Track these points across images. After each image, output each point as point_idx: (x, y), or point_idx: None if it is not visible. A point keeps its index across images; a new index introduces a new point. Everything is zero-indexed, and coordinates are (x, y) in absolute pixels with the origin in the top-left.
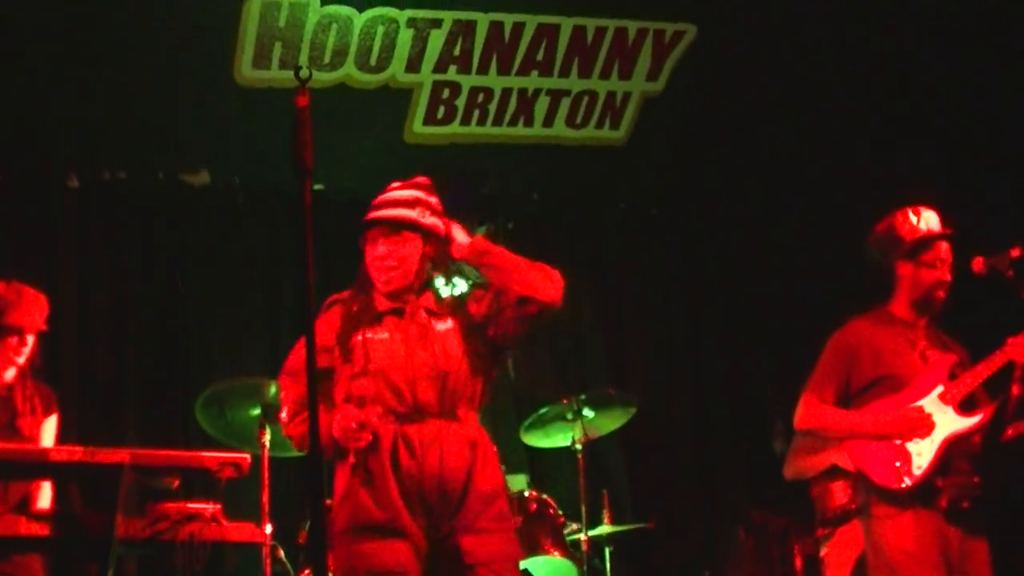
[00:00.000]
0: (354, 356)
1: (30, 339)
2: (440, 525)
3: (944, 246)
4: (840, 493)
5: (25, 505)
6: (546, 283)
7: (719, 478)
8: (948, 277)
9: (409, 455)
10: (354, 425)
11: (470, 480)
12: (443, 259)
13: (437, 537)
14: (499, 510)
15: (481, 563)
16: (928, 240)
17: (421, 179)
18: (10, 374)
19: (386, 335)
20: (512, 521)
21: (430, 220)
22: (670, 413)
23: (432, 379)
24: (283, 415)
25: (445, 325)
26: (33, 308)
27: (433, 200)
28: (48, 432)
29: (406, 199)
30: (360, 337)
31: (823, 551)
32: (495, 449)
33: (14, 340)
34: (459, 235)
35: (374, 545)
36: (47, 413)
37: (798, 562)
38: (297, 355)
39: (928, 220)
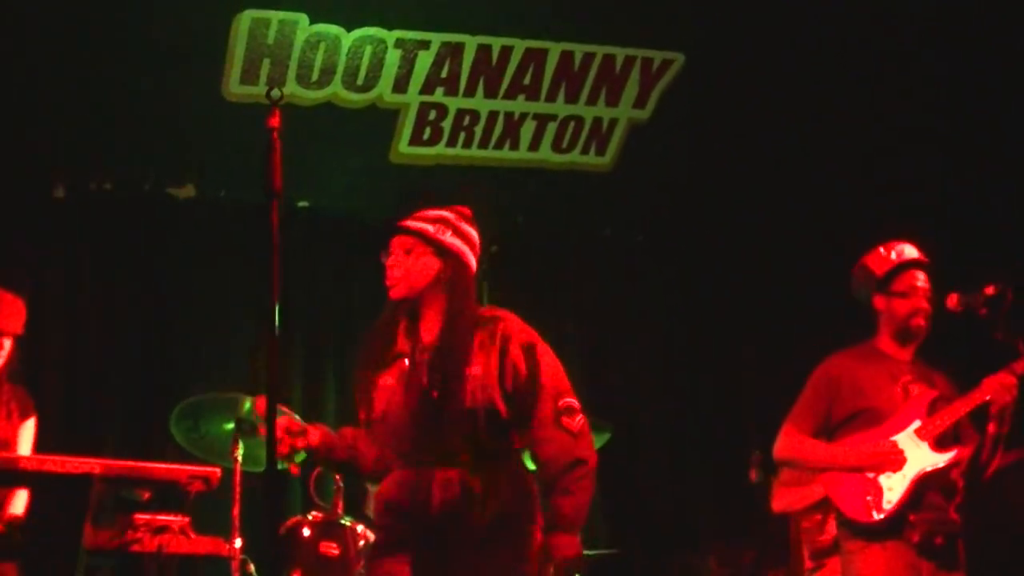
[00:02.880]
0: (363, 399)
1: (5, 343)
2: (442, 553)
3: (918, 275)
4: (832, 525)
5: None
6: None
7: (692, 507)
8: (924, 305)
9: (410, 499)
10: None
11: (466, 522)
12: (462, 284)
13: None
14: (511, 551)
15: None
16: (897, 269)
17: (463, 208)
18: None
19: (391, 380)
20: (527, 564)
21: (449, 239)
22: (646, 440)
23: (432, 424)
24: None
25: (473, 370)
26: (7, 312)
27: (464, 227)
28: (26, 436)
29: (430, 216)
30: (370, 380)
31: None
32: (530, 490)
33: None
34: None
35: (386, 567)
36: (24, 417)
37: None
38: None
39: (900, 252)
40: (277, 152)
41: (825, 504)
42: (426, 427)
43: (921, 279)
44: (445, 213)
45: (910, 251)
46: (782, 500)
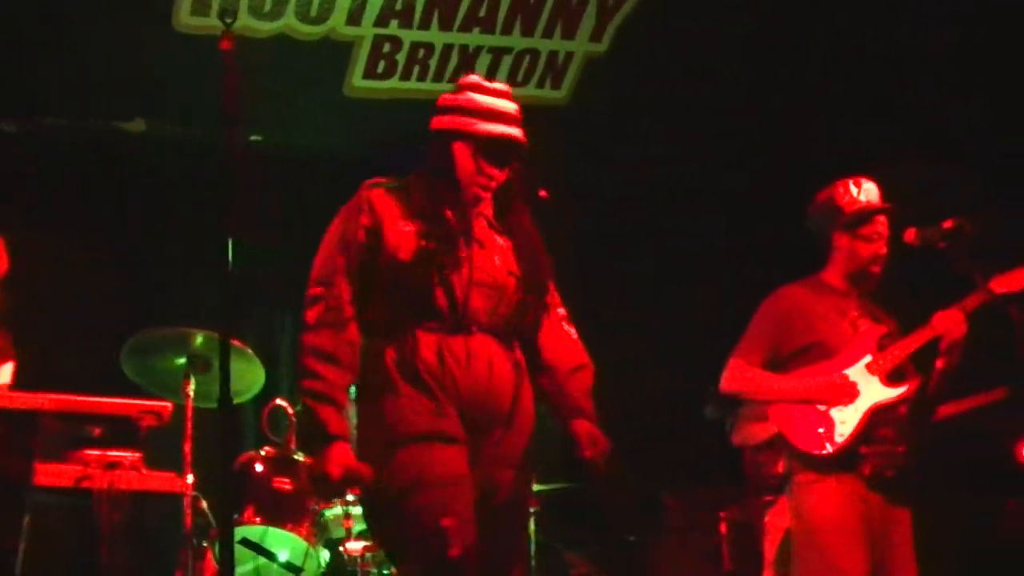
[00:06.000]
0: (403, 248)
1: None
2: (483, 446)
3: (882, 220)
4: (783, 462)
5: None
6: None
7: (649, 444)
8: (884, 251)
9: (456, 366)
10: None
11: (516, 404)
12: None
13: (478, 459)
14: (532, 447)
15: (508, 507)
16: (867, 213)
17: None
18: None
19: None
20: None
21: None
22: (603, 377)
23: (488, 289)
24: (312, 315)
25: (503, 242)
26: None
27: None
28: (3, 378)
29: (518, 116)
30: (412, 228)
31: (766, 518)
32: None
33: None
34: None
35: (432, 452)
36: (2, 359)
37: (723, 528)
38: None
39: (868, 192)
40: (232, 76)
41: (779, 439)
42: None
43: (883, 224)
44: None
45: (876, 193)
46: (740, 434)
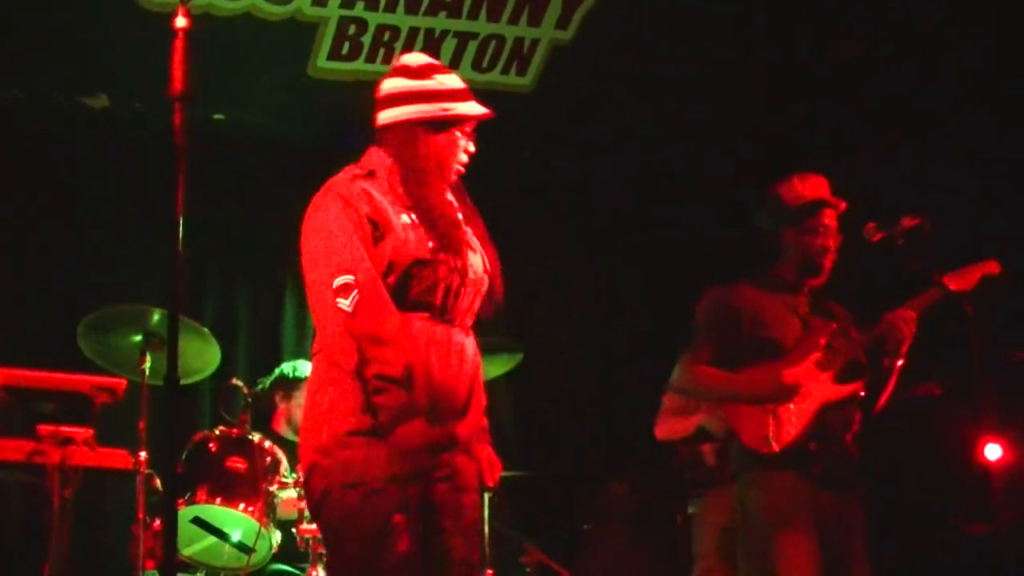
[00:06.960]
0: (407, 243)
1: None
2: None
3: (828, 213)
4: (709, 456)
5: None
6: None
7: (606, 433)
8: (831, 244)
9: (439, 355)
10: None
11: (472, 394)
12: None
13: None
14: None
15: (467, 490)
16: (811, 206)
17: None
18: None
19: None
20: None
21: None
22: (563, 365)
23: (472, 288)
24: (347, 304)
25: (471, 232)
26: None
27: None
28: None
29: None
30: (411, 223)
31: (691, 509)
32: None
33: None
34: None
35: None
36: None
37: (680, 520)
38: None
39: (814, 186)
40: (183, 53)
41: (704, 435)
42: None
43: (830, 217)
44: None
45: (823, 187)
46: (664, 428)
